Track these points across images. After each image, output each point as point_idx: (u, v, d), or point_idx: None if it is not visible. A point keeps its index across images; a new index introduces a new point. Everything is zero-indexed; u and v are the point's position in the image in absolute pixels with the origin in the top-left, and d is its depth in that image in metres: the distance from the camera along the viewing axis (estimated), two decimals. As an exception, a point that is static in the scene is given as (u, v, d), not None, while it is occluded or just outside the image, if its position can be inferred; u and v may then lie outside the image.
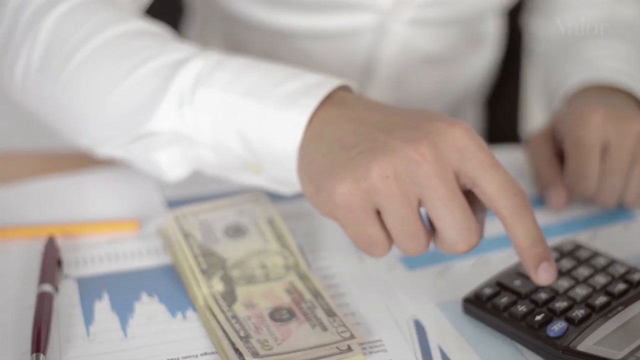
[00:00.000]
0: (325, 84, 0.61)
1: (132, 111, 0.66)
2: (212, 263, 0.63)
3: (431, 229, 0.57)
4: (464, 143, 0.55)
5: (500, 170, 0.55)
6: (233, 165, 0.65)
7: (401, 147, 0.55)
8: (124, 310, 0.61)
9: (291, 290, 0.61)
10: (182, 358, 0.56)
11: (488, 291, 0.59)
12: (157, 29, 0.70)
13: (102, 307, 0.61)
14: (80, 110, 0.68)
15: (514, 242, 0.56)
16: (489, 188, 0.55)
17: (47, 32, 0.69)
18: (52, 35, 0.69)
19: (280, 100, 0.61)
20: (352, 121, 0.59)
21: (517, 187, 0.55)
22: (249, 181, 0.66)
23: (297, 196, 0.72)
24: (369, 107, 0.60)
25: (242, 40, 0.97)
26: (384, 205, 0.56)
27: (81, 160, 0.79)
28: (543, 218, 0.72)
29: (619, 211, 0.73)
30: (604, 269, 0.61)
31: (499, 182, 0.55)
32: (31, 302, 0.60)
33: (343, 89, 0.62)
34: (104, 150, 0.69)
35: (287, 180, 0.62)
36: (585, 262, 0.62)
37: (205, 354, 0.57)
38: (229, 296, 0.60)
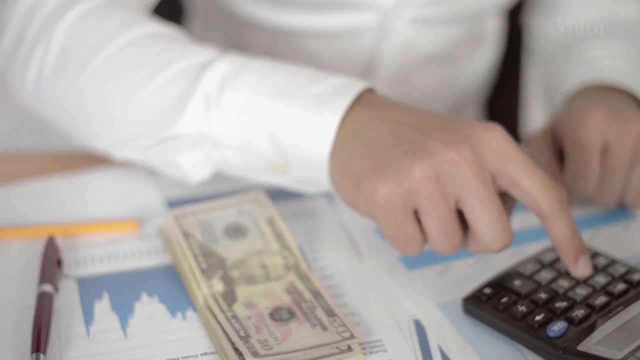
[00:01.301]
0: (353, 86, 0.62)
1: (157, 114, 0.66)
2: (212, 263, 0.63)
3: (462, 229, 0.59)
4: (501, 145, 0.58)
5: (537, 170, 0.57)
6: (259, 166, 0.66)
7: (443, 149, 0.57)
8: (124, 310, 0.61)
9: (291, 290, 0.61)
10: (182, 358, 0.56)
11: (488, 291, 0.59)
12: (172, 32, 0.70)
13: (102, 307, 0.61)
14: (100, 114, 0.68)
15: (553, 237, 0.58)
16: (530, 187, 0.57)
17: (62, 35, 0.69)
18: (67, 39, 0.69)
19: (310, 101, 0.62)
20: (386, 122, 0.60)
21: (554, 185, 0.58)
22: (272, 181, 0.67)
23: (297, 196, 0.72)
24: (399, 108, 0.62)
25: (243, 39, 0.97)
26: (424, 205, 0.57)
27: (81, 160, 0.79)
28: (543, 218, 0.72)
29: (619, 211, 0.73)
30: (604, 269, 0.61)
31: (537, 181, 0.57)
32: (31, 302, 0.60)
33: (369, 90, 0.63)
34: (122, 153, 0.69)
35: (315, 180, 0.63)
36: (585, 262, 0.62)
37: (205, 354, 0.57)
38: (229, 296, 0.60)
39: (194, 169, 0.67)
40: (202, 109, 0.64)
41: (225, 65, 0.65)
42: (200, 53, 0.66)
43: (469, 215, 0.57)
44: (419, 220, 0.58)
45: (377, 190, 0.57)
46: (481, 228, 0.57)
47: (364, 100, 0.62)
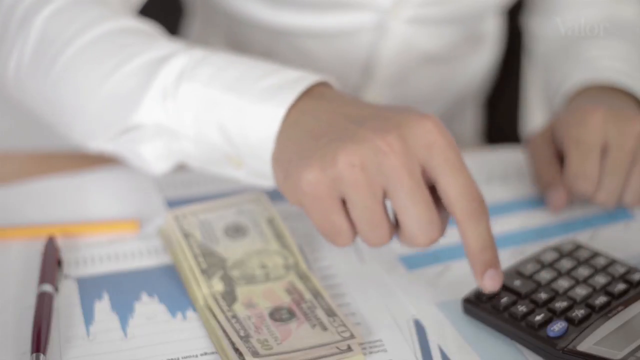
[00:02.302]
0: (304, 79, 0.62)
1: (118, 104, 0.67)
2: (212, 263, 0.63)
3: (395, 222, 0.58)
4: (432, 138, 0.56)
5: (463, 173, 0.56)
6: (214, 158, 0.66)
7: (370, 137, 0.56)
8: (124, 310, 0.61)
9: (291, 290, 0.61)
10: (182, 358, 0.56)
11: (488, 291, 0.59)
12: (145, 27, 0.71)
13: (102, 307, 0.61)
14: (70, 105, 0.70)
15: (465, 246, 0.57)
16: (449, 189, 0.56)
17: (38, 29, 0.71)
18: (42, 33, 0.71)
19: (260, 94, 0.62)
20: (327, 112, 0.60)
21: (476, 192, 0.56)
22: (230, 175, 0.67)
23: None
24: (346, 100, 0.61)
25: (243, 39, 0.97)
26: (349, 194, 0.56)
27: (81, 160, 0.79)
28: (543, 218, 0.72)
29: (619, 211, 0.73)
30: (604, 269, 0.61)
31: (459, 185, 0.56)
32: (31, 302, 0.60)
33: (323, 85, 0.63)
34: (94, 144, 0.70)
35: (265, 172, 0.63)
36: (585, 262, 0.62)
37: (205, 354, 0.57)
38: (229, 296, 0.60)
39: (157, 160, 0.68)
40: (159, 100, 0.65)
41: (184, 58, 0.66)
42: (163, 47, 0.67)
43: (395, 206, 0.56)
44: (348, 212, 0.57)
45: (303, 177, 0.56)
46: (406, 220, 0.56)
47: (315, 93, 0.62)
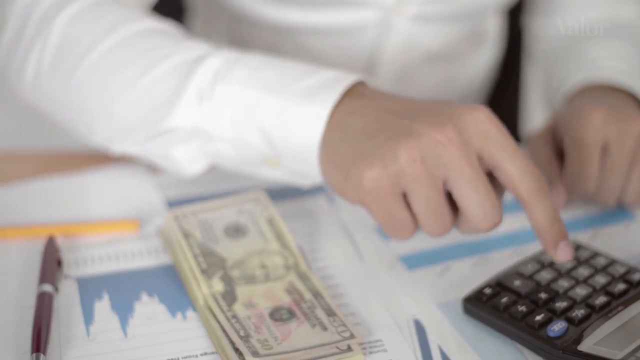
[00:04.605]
0: (344, 79, 0.63)
1: (150, 108, 0.67)
2: (212, 263, 0.63)
3: (452, 211, 0.59)
4: (486, 127, 0.58)
5: (520, 155, 0.58)
6: (252, 159, 0.66)
7: (427, 131, 0.57)
8: (124, 310, 0.61)
9: (291, 290, 0.61)
10: (182, 358, 0.56)
11: (488, 291, 0.59)
12: (168, 28, 0.71)
13: (102, 307, 0.61)
14: (96, 109, 0.69)
15: (533, 223, 0.58)
16: (511, 170, 0.57)
17: (59, 31, 0.70)
18: (64, 35, 0.70)
19: (301, 95, 0.62)
20: (374, 111, 0.60)
21: (536, 171, 0.58)
22: (266, 174, 0.67)
23: (297, 196, 0.72)
24: (388, 97, 0.62)
25: (245, 36, 0.98)
26: (411, 188, 0.57)
27: (81, 160, 0.79)
28: (543, 218, 0.72)
29: (619, 211, 0.73)
30: (604, 269, 0.61)
31: (520, 166, 0.57)
32: (31, 302, 0.60)
33: (360, 83, 0.64)
34: (119, 147, 0.70)
35: (307, 172, 0.64)
36: (585, 262, 0.62)
37: (205, 354, 0.57)
38: (229, 296, 0.60)
39: (189, 162, 0.68)
40: (195, 102, 0.65)
41: (218, 60, 0.66)
42: (193, 48, 0.67)
43: (457, 195, 0.57)
44: (409, 205, 0.58)
45: (364, 176, 0.57)
46: (469, 207, 0.57)
47: (355, 92, 0.63)
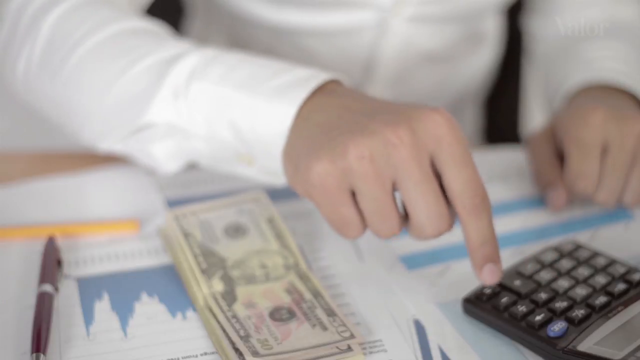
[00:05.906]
0: (316, 77, 0.63)
1: (129, 104, 0.67)
2: (212, 263, 0.63)
3: (404, 214, 0.58)
4: (442, 131, 0.56)
5: (468, 168, 0.56)
6: (226, 156, 0.66)
7: (380, 130, 0.56)
8: (124, 310, 0.61)
9: (291, 290, 0.61)
10: (182, 358, 0.56)
11: (488, 291, 0.59)
12: (154, 27, 0.72)
13: (102, 307, 0.61)
14: (81, 106, 0.70)
15: (465, 240, 0.57)
16: (453, 183, 0.56)
17: (48, 30, 0.71)
18: (52, 34, 0.71)
19: (272, 92, 0.63)
20: (337, 108, 0.60)
21: (479, 187, 0.56)
22: (242, 172, 0.67)
23: (297, 196, 0.72)
24: (356, 96, 0.62)
25: (244, 38, 0.98)
26: (358, 186, 0.56)
27: (81, 160, 0.79)
28: (543, 218, 0.72)
29: (619, 211, 0.73)
30: (604, 269, 0.61)
31: (463, 180, 0.56)
32: (31, 302, 0.60)
33: (334, 82, 0.64)
34: (104, 144, 0.70)
35: (277, 169, 0.63)
36: (585, 262, 0.62)
37: (205, 354, 0.57)
38: (229, 296, 0.60)
39: (167, 159, 0.68)
40: (170, 99, 0.66)
41: (196, 57, 0.66)
42: (174, 47, 0.68)
43: (404, 198, 0.56)
44: (357, 203, 0.57)
45: (312, 169, 0.57)
46: (415, 211, 0.56)
47: (326, 90, 0.62)
